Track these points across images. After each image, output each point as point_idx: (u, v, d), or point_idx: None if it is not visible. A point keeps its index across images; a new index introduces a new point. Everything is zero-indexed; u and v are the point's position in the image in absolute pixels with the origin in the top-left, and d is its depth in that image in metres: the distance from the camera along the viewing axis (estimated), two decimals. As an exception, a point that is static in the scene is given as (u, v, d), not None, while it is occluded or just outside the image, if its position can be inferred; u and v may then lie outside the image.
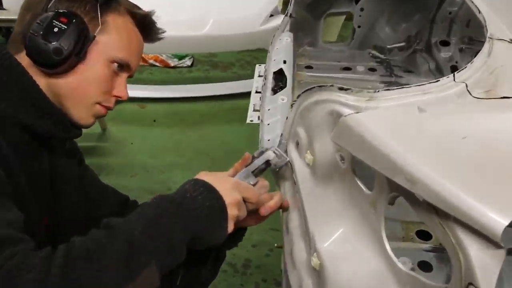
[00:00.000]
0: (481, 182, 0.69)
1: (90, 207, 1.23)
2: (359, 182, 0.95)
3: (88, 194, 1.23)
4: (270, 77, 1.63)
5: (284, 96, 1.50)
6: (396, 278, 0.87)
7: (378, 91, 0.93)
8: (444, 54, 2.08)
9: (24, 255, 0.75)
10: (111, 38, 1.05)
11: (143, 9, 1.14)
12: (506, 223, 0.64)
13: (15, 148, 0.97)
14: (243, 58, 4.47)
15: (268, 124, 1.43)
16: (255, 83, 1.75)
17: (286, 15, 1.97)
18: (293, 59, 1.79)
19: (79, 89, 1.04)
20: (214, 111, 3.64)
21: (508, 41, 0.99)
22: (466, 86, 0.91)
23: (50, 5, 1.02)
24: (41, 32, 0.98)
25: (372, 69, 2.10)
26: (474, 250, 0.68)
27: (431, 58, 2.10)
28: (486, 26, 1.01)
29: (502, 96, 0.90)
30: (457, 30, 2.07)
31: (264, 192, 1.10)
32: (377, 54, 2.21)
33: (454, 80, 0.91)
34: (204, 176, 1.00)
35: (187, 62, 4.41)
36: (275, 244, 1.56)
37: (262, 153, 1.13)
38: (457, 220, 0.70)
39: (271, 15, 3.09)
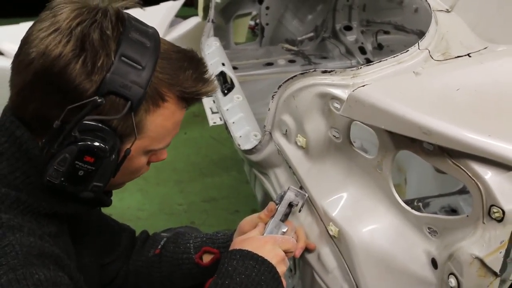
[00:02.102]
0: (485, 122, 0.85)
1: (102, 253, 1.18)
2: (358, 151, 1.07)
3: (100, 240, 1.18)
4: (214, 80, 1.70)
5: (238, 95, 1.58)
6: (413, 225, 1.00)
7: (360, 67, 1.05)
8: (349, 38, 2.31)
9: None
10: (149, 139, 0.90)
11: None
12: (514, 150, 0.80)
13: (55, 240, 0.90)
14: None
15: (234, 123, 1.50)
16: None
17: (208, 21, 2.04)
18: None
19: (113, 182, 0.92)
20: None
21: (445, 11, 1.18)
22: (429, 52, 1.07)
23: (68, 120, 0.82)
24: (62, 179, 0.84)
25: (291, 61, 2.25)
26: (490, 176, 0.83)
27: (339, 43, 2.31)
28: (427, 0, 1.19)
29: (456, 56, 1.07)
30: (355, 15, 2.31)
31: (294, 234, 1.13)
32: (290, 47, 2.37)
33: (418, 48, 1.07)
34: (242, 244, 1.01)
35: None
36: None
37: (282, 197, 1.12)
38: (470, 157, 0.85)
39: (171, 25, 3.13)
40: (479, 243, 0.86)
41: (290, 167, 1.21)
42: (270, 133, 1.25)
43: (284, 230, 1.10)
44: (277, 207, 1.12)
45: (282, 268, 1.01)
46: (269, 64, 2.23)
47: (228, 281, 0.95)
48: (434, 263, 0.97)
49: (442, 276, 0.95)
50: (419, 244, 0.99)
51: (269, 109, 1.22)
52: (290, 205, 1.12)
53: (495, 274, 0.85)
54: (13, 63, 0.87)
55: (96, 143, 0.83)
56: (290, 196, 1.12)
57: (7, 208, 0.86)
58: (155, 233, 1.34)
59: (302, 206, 1.13)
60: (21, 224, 0.85)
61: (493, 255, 0.84)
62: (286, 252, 1.04)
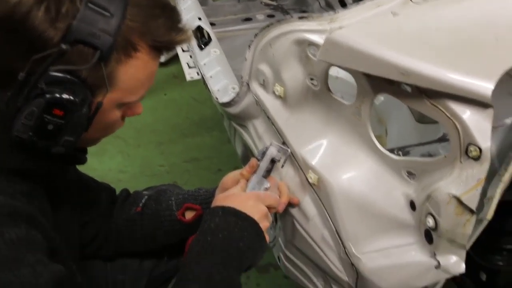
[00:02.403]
0: (463, 61, 0.84)
1: (80, 212, 1.16)
2: (337, 97, 1.06)
3: (78, 199, 1.16)
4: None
5: (215, 49, 1.55)
6: (392, 169, 1.01)
7: (338, 12, 1.03)
8: (328, -10, 2.26)
9: None
10: (122, 91, 0.88)
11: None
12: (493, 86, 0.80)
13: (29, 199, 0.87)
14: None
15: (211, 77, 1.47)
16: (176, 45, 1.75)
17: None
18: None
19: (86, 138, 0.90)
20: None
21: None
22: (408, -6, 1.05)
23: (33, 71, 0.78)
24: (30, 133, 0.81)
25: (270, 16, 2.21)
26: (467, 115, 0.83)
27: (318, -4, 2.27)
28: None
29: (432, -2, 1.06)
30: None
31: (276, 190, 1.12)
32: (269, 1, 2.32)
33: (397, -10, 1.05)
34: (224, 200, 1.01)
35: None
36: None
37: (264, 153, 1.11)
38: (447, 96, 0.84)
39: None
40: (456, 183, 0.87)
41: (268, 117, 1.19)
42: (248, 84, 1.23)
43: (267, 186, 1.09)
44: (259, 163, 1.11)
45: (265, 224, 1.01)
46: (248, 19, 2.19)
47: (210, 238, 0.95)
48: (412, 205, 0.98)
49: (420, 218, 0.96)
50: (398, 188, 1.00)
51: (245, 59, 1.19)
52: (273, 161, 1.11)
53: (471, 212, 0.86)
54: None
55: (65, 96, 0.80)
56: (272, 151, 1.11)
57: None
58: (136, 191, 1.33)
59: (284, 162, 1.12)
60: None
61: (470, 193, 0.85)
62: (268, 207, 1.04)
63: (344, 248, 1.07)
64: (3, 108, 0.83)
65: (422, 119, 1.48)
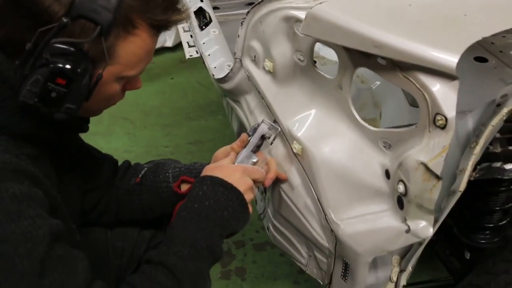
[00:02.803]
0: (432, 35, 0.89)
1: (84, 180, 1.22)
2: (321, 72, 1.12)
3: (82, 167, 1.20)
4: (192, 16, 1.73)
5: (214, 29, 1.61)
6: (370, 140, 1.06)
7: (323, -11, 1.09)
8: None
9: None
10: (121, 66, 0.94)
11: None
12: (457, 59, 0.85)
13: (34, 161, 0.92)
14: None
15: (209, 55, 1.54)
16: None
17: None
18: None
19: (88, 108, 0.96)
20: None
21: None
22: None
23: (39, 43, 0.85)
24: (36, 100, 0.87)
25: None
26: (436, 87, 0.89)
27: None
28: None
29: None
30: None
31: (264, 165, 1.18)
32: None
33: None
34: (213, 171, 1.07)
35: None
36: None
37: (255, 129, 1.17)
38: (418, 68, 0.90)
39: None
40: (425, 150, 0.92)
41: (259, 92, 1.26)
42: (241, 60, 1.30)
43: (255, 160, 1.15)
44: (249, 138, 1.17)
45: (249, 196, 1.07)
46: (251, 3, 2.23)
47: (197, 205, 1.01)
48: (387, 174, 1.04)
49: (393, 185, 1.02)
50: (374, 158, 1.06)
51: (238, 35, 1.26)
52: (263, 138, 1.17)
53: (437, 177, 0.91)
54: None
55: (68, 66, 0.86)
56: (263, 128, 1.17)
57: None
58: (136, 163, 1.39)
59: (274, 139, 1.19)
60: None
61: (435, 160, 0.90)
62: (254, 181, 1.09)
63: (325, 215, 1.13)
64: (11, 75, 0.90)
65: (415, 102, 1.53)
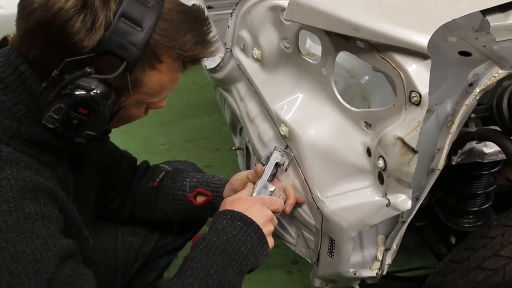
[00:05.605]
0: (407, 18, 0.96)
1: (101, 177, 1.24)
2: (305, 57, 1.18)
3: (100, 164, 1.24)
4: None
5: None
6: (352, 121, 1.13)
7: (307, -20, 1.15)
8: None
9: None
10: (145, 94, 0.96)
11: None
12: (427, 40, 0.91)
13: (53, 169, 0.95)
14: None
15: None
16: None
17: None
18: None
19: (111, 126, 1.00)
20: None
21: None
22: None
23: (66, 71, 0.86)
24: (57, 125, 0.89)
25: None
26: (410, 66, 0.95)
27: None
28: None
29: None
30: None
31: (282, 193, 1.19)
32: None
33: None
34: (231, 205, 1.07)
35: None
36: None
37: (268, 158, 1.18)
38: (394, 49, 0.96)
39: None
40: (401, 126, 0.98)
41: (248, 79, 1.32)
42: (231, 50, 1.36)
43: (272, 189, 1.16)
44: (264, 168, 1.18)
45: (269, 228, 1.07)
46: (243, 3, 2.30)
47: (215, 238, 1.02)
48: (368, 152, 1.10)
49: (374, 162, 1.08)
50: (357, 137, 1.12)
51: (228, 26, 1.32)
52: (277, 165, 1.18)
53: (413, 151, 0.97)
54: (19, 5, 0.92)
55: (91, 97, 0.88)
56: (276, 156, 1.19)
57: (8, 139, 0.92)
58: (155, 165, 1.42)
59: (288, 165, 1.20)
60: (19, 158, 0.91)
61: (411, 134, 0.96)
62: (274, 212, 1.10)
63: (311, 194, 1.19)
64: (38, 91, 0.92)
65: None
